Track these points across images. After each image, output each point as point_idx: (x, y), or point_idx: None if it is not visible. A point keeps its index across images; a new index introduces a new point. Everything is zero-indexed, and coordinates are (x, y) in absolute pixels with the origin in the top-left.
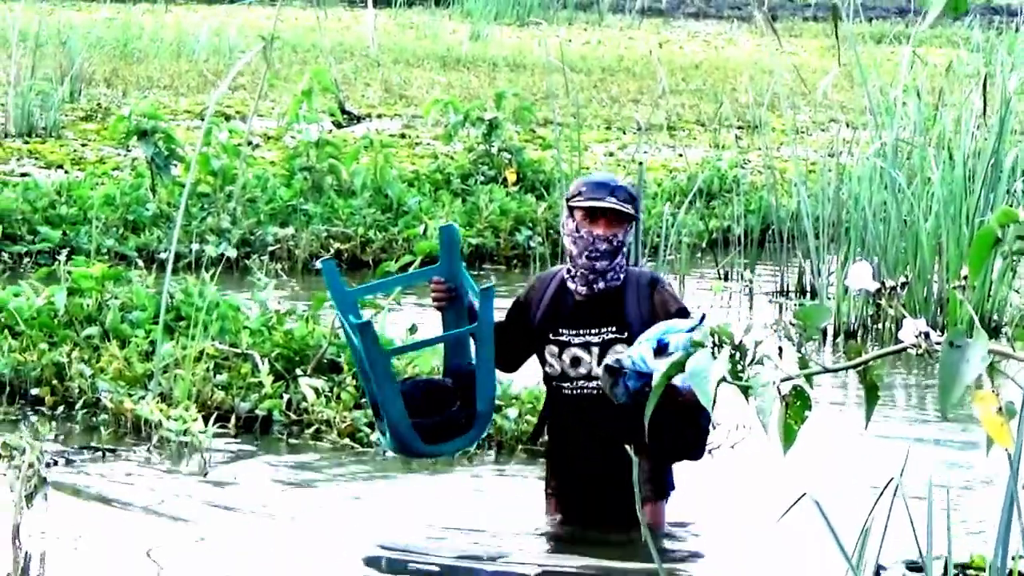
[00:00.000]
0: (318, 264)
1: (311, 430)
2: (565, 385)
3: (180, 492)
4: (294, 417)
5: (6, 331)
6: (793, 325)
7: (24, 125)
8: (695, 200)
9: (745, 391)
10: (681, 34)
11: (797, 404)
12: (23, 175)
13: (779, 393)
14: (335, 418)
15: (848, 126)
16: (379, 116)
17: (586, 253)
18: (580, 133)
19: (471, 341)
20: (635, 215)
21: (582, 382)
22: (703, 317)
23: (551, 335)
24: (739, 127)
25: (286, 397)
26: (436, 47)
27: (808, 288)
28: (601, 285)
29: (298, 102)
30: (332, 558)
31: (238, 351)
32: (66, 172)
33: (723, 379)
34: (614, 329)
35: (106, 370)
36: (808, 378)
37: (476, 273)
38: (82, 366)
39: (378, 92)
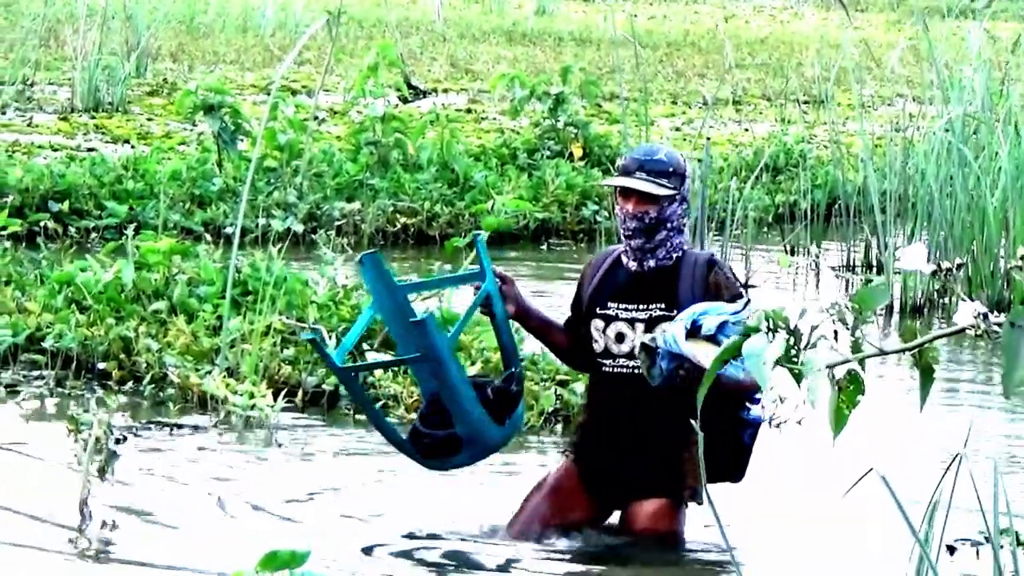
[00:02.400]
0: (359, 258)
1: (378, 405)
2: (607, 363)
3: (246, 467)
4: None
5: (74, 306)
6: (849, 307)
7: (91, 100)
8: (761, 175)
9: (797, 376)
10: (747, 8)
11: (850, 388)
12: (90, 150)
13: (831, 377)
14: (402, 393)
15: (914, 100)
16: (445, 91)
17: (622, 231)
18: (646, 107)
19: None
20: (670, 192)
21: (623, 360)
22: (747, 302)
23: (598, 308)
24: (805, 101)
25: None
26: (502, 21)
27: (874, 263)
28: (652, 263)
29: (364, 77)
30: (392, 533)
31: (305, 326)
32: (132, 147)
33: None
34: (663, 306)
35: (173, 345)
36: (862, 362)
37: (541, 248)
38: (149, 341)
39: (444, 67)
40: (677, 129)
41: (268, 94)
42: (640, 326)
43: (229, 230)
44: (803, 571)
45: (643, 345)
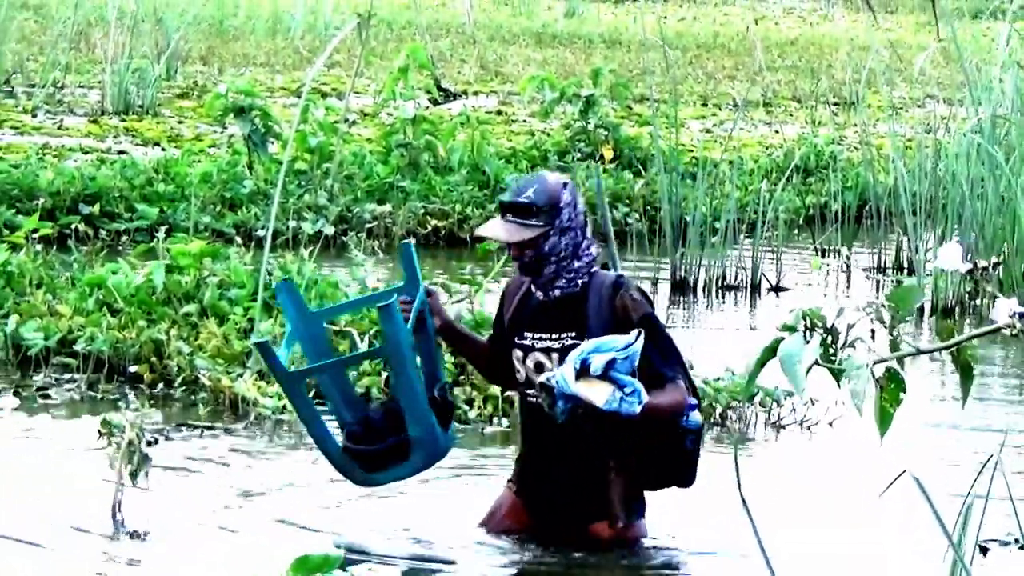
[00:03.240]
0: (274, 283)
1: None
2: (530, 393)
3: (276, 469)
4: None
5: (105, 308)
6: (885, 307)
7: (121, 103)
8: (792, 176)
9: (837, 375)
10: (776, 10)
11: (892, 387)
12: (120, 152)
13: (873, 376)
14: None
15: (945, 102)
16: (475, 93)
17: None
18: (676, 109)
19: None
20: (536, 233)
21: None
22: (639, 334)
23: (516, 338)
24: (835, 103)
25: (384, 375)
26: (532, 24)
27: (905, 264)
28: (557, 292)
29: (395, 79)
30: (422, 537)
31: (336, 328)
32: (163, 149)
33: (815, 362)
34: (574, 335)
35: (204, 347)
36: (901, 360)
37: None
38: (180, 343)
39: (474, 69)
40: (707, 131)
41: (298, 96)
42: (555, 355)
43: (260, 233)
44: (836, 572)
45: (541, 385)
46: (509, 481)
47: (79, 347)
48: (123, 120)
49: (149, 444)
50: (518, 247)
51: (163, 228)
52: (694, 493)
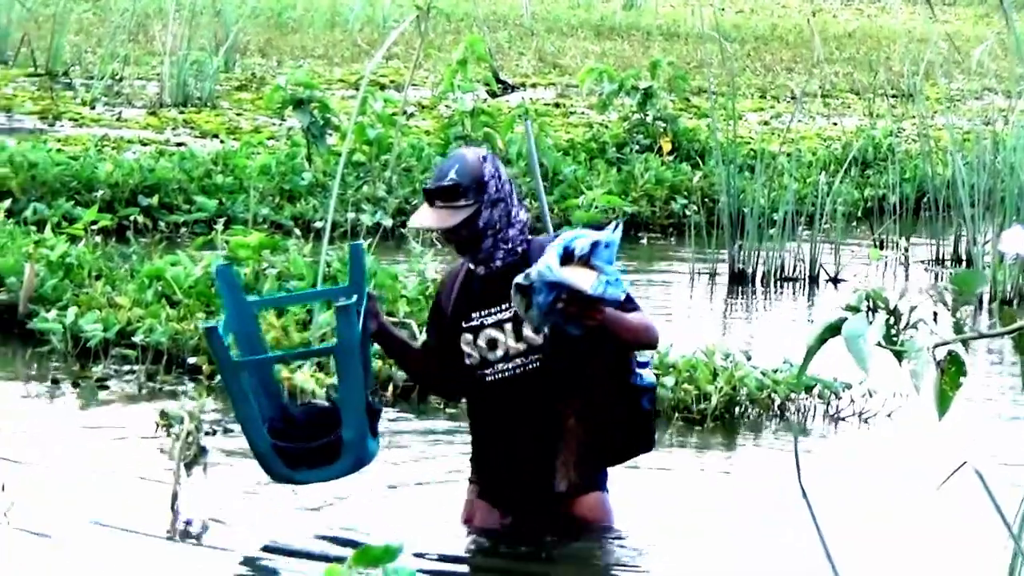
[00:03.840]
0: (213, 270)
1: None
2: (487, 372)
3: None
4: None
5: (164, 300)
6: (948, 290)
7: (180, 95)
8: (850, 169)
9: (898, 356)
10: (834, 2)
11: (952, 370)
12: (179, 145)
13: (934, 358)
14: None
15: (1003, 94)
16: (533, 85)
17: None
18: (735, 102)
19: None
20: (467, 212)
21: (501, 364)
22: (617, 224)
23: (463, 323)
24: (893, 95)
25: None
26: (590, 16)
27: (964, 257)
28: (498, 263)
29: (453, 71)
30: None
31: (395, 320)
32: (222, 142)
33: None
34: None
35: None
36: (964, 344)
37: (631, 244)
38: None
39: (532, 61)
40: (765, 123)
41: (356, 89)
42: (508, 326)
43: (318, 224)
44: (895, 564)
45: (516, 285)
46: (470, 480)
47: (138, 339)
48: (182, 112)
49: (207, 435)
50: (451, 231)
51: (222, 220)
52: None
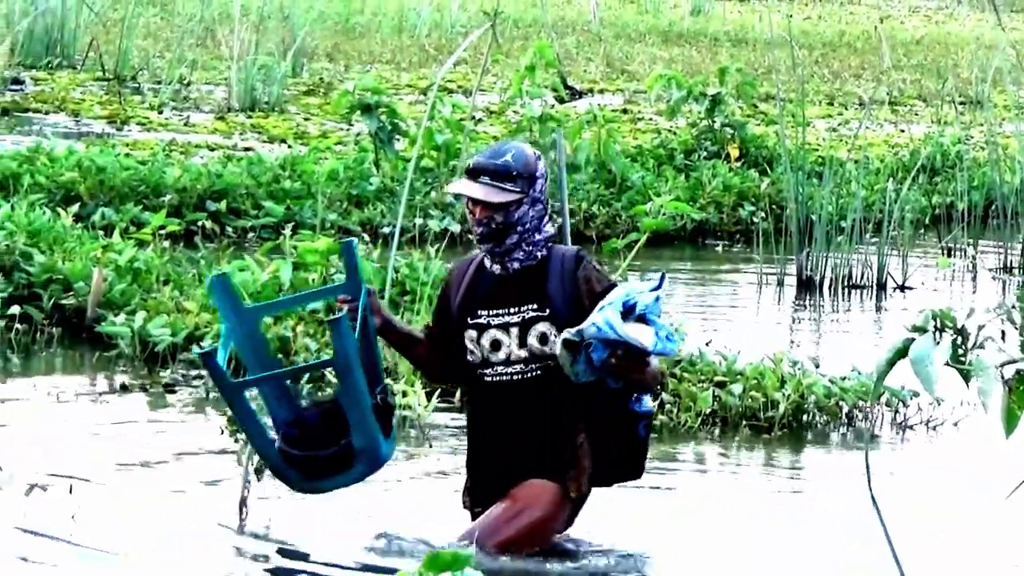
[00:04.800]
0: (208, 280)
1: None
2: (486, 372)
3: (398, 466)
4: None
5: None
6: (1016, 308)
7: (247, 100)
8: (918, 176)
9: (966, 375)
10: (902, 9)
11: (1020, 388)
12: (246, 149)
13: (1002, 377)
14: None
15: None
16: (601, 91)
17: (473, 235)
18: (803, 108)
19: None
20: (513, 197)
21: (502, 367)
22: (663, 276)
23: (469, 319)
24: (961, 102)
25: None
26: (658, 22)
27: None
28: (516, 265)
29: (521, 77)
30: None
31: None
32: (289, 146)
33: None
34: (535, 307)
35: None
36: None
37: (699, 251)
38: (307, 340)
39: (600, 67)
40: (833, 130)
41: (424, 94)
42: (515, 330)
43: (386, 230)
44: (962, 573)
45: (565, 341)
46: (464, 503)
47: (206, 343)
48: (249, 117)
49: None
50: (490, 210)
51: (289, 225)
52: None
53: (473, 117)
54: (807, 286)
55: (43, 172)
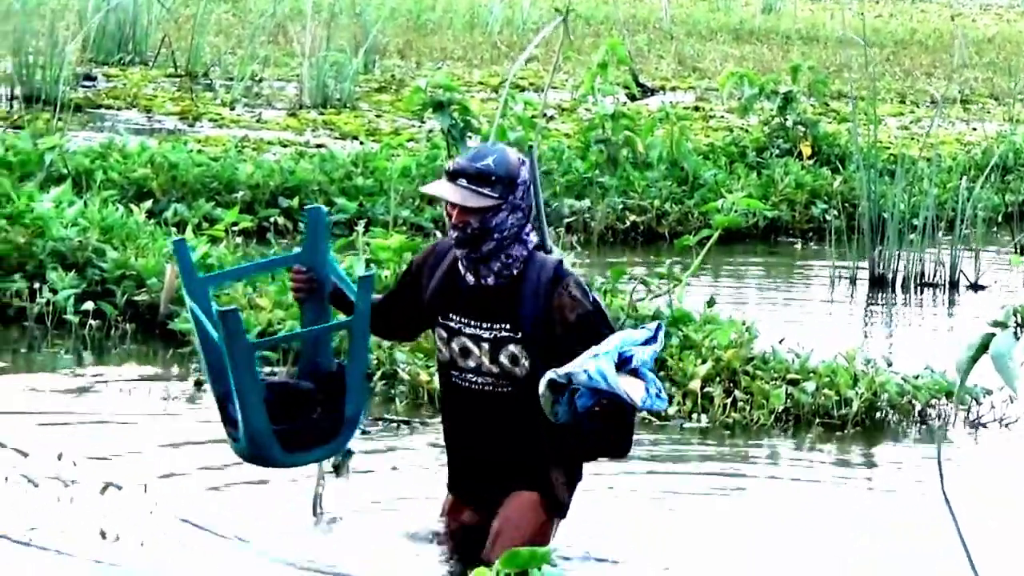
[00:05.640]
0: (170, 245)
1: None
2: (454, 373)
3: None
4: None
5: None
6: None
7: (319, 96)
8: (991, 174)
9: None
10: (973, 7)
11: None
12: (319, 146)
13: None
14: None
15: None
16: (672, 88)
17: (451, 239)
18: (874, 106)
19: (332, 339)
20: (491, 203)
21: (471, 375)
22: (659, 327)
23: (440, 318)
24: None
25: None
26: (729, 19)
27: None
28: (490, 280)
29: (593, 75)
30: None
31: None
32: (361, 143)
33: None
34: (508, 327)
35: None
36: None
37: (770, 246)
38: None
39: (671, 65)
40: (905, 128)
41: (496, 91)
42: (485, 346)
43: None
44: None
45: (551, 382)
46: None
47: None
48: (321, 113)
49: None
50: (466, 214)
51: (362, 222)
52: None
53: (545, 114)
54: (879, 284)
55: (116, 168)
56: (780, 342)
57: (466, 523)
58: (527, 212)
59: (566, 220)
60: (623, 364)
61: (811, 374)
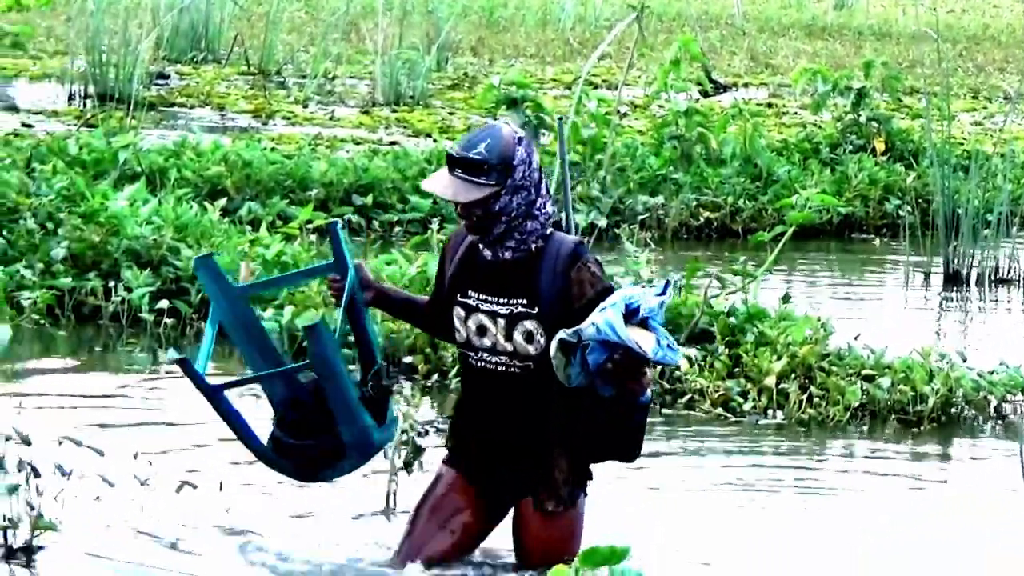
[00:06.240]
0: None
1: (684, 399)
2: (471, 354)
3: None
4: (667, 386)
5: None
6: None
7: (392, 94)
8: None
9: None
10: None
11: None
12: (392, 143)
13: None
14: (708, 387)
15: None
16: (745, 85)
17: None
18: (948, 102)
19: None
20: (485, 192)
21: (486, 355)
22: (668, 283)
23: (459, 295)
24: None
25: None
26: (801, 15)
27: None
28: (507, 255)
29: (666, 71)
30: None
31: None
32: (434, 140)
33: None
34: (524, 302)
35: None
36: None
37: (844, 242)
38: None
39: (744, 61)
40: (978, 123)
41: (568, 88)
42: (501, 322)
43: None
44: None
45: (560, 342)
46: (443, 460)
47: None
48: (394, 111)
49: (420, 435)
50: (466, 206)
51: (436, 219)
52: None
53: (618, 111)
54: (954, 280)
55: (189, 166)
56: (855, 338)
57: (465, 503)
58: (535, 188)
59: (640, 217)
60: (631, 316)
61: (886, 370)
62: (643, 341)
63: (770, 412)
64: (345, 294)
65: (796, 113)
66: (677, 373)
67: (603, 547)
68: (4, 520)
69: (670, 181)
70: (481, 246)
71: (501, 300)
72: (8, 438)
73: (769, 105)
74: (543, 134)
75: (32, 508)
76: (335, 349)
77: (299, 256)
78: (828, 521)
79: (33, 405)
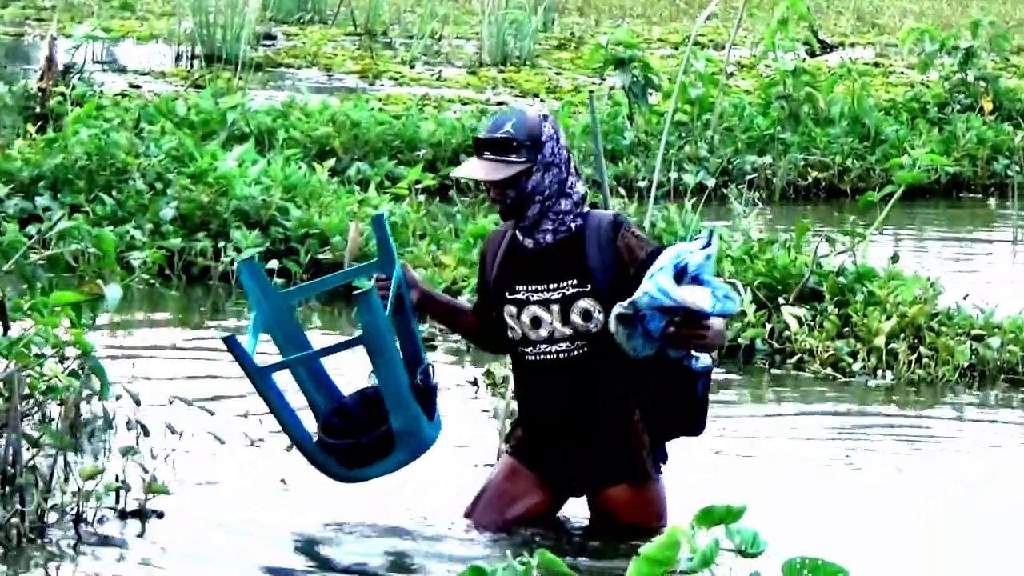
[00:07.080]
0: (237, 262)
1: (793, 359)
2: (527, 351)
3: None
4: (776, 346)
5: None
6: None
7: (498, 54)
8: None
9: None
10: None
11: None
12: (499, 103)
13: None
14: (817, 347)
15: None
16: (851, 45)
17: (499, 214)
18: None
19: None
20: (518, 169)
21: (544, 346)
22: (711, 234)
23: (507, 294)
24: None
25: (768, 326)
26: None
27: None
28: (549, 238)
29: (773, 31)
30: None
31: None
32: (542, 100)
33: None
34: (575, 282)
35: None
36: None
37: (952, 202)
38: None
39: (850, 20)
40: None
41: (675, 48)
42: (555, 307)
43: (640, 184)
44: None
45: (618, 316)
46: (508, 451)
47: (464, 298)
48: (501, 71)
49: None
50: (499, 186)
51: None
52: None
53: (726, 71)
54: None
55: (297, 127)
56: (965, 298)
57: (539, 502)
58: (565, 166)
59: (748, 177)
60: (681, 275)
61: (996, 330)
62: (698, 298)
63: (879, 372)
64: (392, 286)
65: (903, 73)
66: (787, 333)
67: (719, 506)
68: (117, 482)
69: (778, 141)
70: (521, 237)
71: (551, 286)
72: (119, 397)
73: (876, 64)
74: (650, 94)
75: (145, 471)
76: (387, 321)
77: (408, 216)
78: (938, 481)
79: (143, 365)
